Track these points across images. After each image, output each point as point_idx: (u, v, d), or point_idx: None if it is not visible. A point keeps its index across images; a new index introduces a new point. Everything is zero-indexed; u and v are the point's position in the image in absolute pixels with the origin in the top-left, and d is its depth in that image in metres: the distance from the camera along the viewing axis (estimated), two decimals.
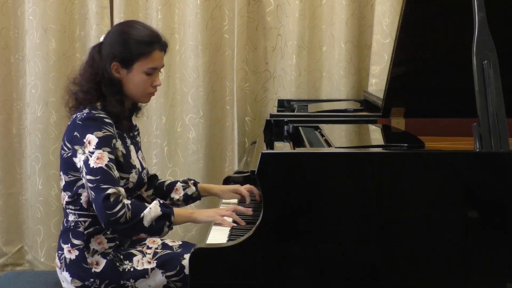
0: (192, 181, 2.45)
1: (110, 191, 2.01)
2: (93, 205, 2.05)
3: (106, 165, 2.04)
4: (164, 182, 2.45)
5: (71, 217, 2.18)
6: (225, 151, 3.58)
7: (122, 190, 2.05)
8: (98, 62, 2.17)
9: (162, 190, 2.43)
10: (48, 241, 3.59)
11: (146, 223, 2.03)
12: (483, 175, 1.80)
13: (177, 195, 2.42)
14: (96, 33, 3.44)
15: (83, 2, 3.50)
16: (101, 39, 2.22)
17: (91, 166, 2.04)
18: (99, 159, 2.04)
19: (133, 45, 2.15)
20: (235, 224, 2.15)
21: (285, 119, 2.69)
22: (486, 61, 1.85)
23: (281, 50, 3.47)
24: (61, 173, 2.18)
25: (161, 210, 2.05)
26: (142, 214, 2.03)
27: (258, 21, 3.49)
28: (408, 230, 1.79)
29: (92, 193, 2.03)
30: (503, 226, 1.79)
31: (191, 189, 2.43)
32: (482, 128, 1.82)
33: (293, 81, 3.46)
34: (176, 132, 3.55)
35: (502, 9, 2.23)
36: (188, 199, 2.44)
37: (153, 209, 2.05)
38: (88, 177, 2.04)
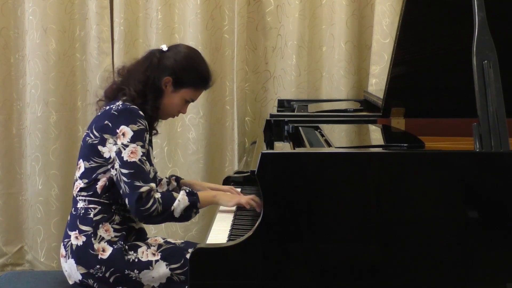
0: (174, 177, 2.53)
1: (143, 189, 2.09)
2: (126, 200, 2.12)
3: (139, 159, 2.12)
4: None
5: (80, 204, 2.20)
6: (225, 151, 3.58)
7: (153, 185, 2.13)
8: (155, 68, 2.25)
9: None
10: (48, 241, 3.59)
11: (176, 214, 2.14)
12: (483, 175, 1.80)
13: (160, 189, 2.48)
14: (96, 33, 3.44)
15: (83, 2, 3.50)
16: (164, 48, 2.29)
17: (124, 159, 2.11)
18: (133, 153, 2.11)
19: (194, 75, 2.27)
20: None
21: (285, 119, 2.69)
22: (486, 61, 1.85)
23: (281, 50, 3.47)
24: (80, 160, 2.22)
25: (188, 200, 2.15)
26: (172, 207, 2.13)
27: (258, 21, 3.49)
28: (408, 230, 1.79)
29: (126, 188, 2.10)
30: (503, 226, 1.79)
31: (172, 185, 2.51)
32: (482, 128, 1.81)
33: (293, 81, 3.46)
34: (176, 132, 3.55)
35: (502, 9, 2.23)
36: None
37: (181, 201, 2.14)
38: (123, 170, 2.10)
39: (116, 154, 2.12)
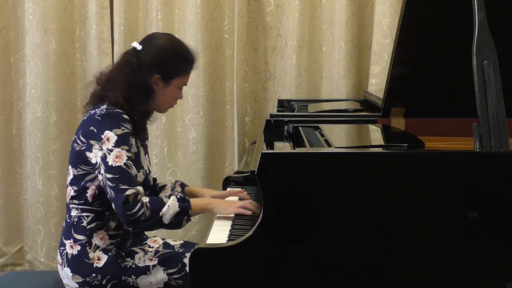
0: (179, 183, 2.47)
1: (128, 192, 2.04)
2: (112, 204, 2.07)
3: (124, 163, 2.07)
4: (158, 184, 2.48)
5: (74, 212, 2.19)
6: (225, 151, 3.58)
7: (140, 188, 2.08)
8: (136, 70, 2.18)
9: (155, 191, 2.46)
10: (48, 241, 3.59)
11: (165, 220, 2.07)
12: (483, 175, 1.80)
13: (163, 194, 2.44)
14: (96, 33, 3.44)
15: (83, 2, 3.50)
16: (137, 46, 2.21)
17: (109, 164, 2.06)
18: (118, 157, 2.07)
19: (180, 62, 2.21)
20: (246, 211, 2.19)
21: (285, 119, 2.69)
22: (486, 61, 1.85)
23: (281, 50, 3.47)
24: (70, 167, 2.19)
25: (179, 206, 2.09)
26: (161, 213, 2.06)
27: (258, 21, 3.49)
28: (408, 230, 1.79)
29: (112, 192, 2.06)
30: (503, 226, 1.80)
31: (177, 190, 2.44)
32: (482, 128, 1.82)
33: (293, 81, 3.45)
34: (176, 132, 3.55)
35: (502, 9, 2.23)
36: None
37: (171, 206, 2.07)
38: (108, 175, 2.06)
39: (101, 160, 2.08)
